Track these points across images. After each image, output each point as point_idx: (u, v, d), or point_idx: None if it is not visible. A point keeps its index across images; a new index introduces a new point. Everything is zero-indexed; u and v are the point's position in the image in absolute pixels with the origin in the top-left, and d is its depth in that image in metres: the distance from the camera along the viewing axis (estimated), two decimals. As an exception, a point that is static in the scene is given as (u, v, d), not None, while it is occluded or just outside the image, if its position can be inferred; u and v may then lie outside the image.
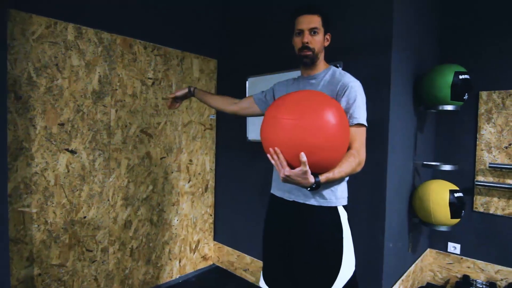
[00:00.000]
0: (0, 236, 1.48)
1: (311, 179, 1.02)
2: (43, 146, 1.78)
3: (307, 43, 1.23)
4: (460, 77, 1.89)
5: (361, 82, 1.26)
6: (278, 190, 1.36)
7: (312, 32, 1.24)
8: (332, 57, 1.95)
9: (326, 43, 1.31)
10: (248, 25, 2.57)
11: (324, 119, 1.01)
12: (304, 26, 1.24)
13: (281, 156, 1.02)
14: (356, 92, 1.20)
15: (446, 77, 1.90)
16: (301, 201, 1.26)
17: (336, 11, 1.96)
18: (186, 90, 1.66)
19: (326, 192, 1.24)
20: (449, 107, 1.98)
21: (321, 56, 1.31)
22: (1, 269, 1.48)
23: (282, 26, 2.30)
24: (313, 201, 1.24)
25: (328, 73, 1.29)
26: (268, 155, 1.06)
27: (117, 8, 2.08)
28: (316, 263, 1.23)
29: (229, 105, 1.62)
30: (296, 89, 1.33)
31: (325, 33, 1.28)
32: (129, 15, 2.15)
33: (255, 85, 2.46)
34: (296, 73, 2.12)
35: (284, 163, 1.02)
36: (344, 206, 1.28)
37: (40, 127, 1.76)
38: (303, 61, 1.27)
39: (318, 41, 1.25)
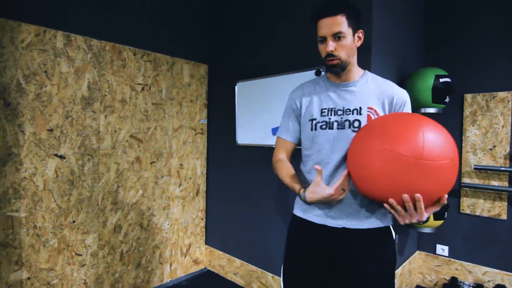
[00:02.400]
0: (-13, 240, 1.50)
1: None
2: (32, 152, 1.81)
3: (331, 51, 1.06)
4: (441, 80, 1.93)
5: None
6: (315, 215, 1.16)
7: (337, 37, 1.05)
8: (313, 61, 2.00)
9: (359, 43, 1.12)
10: (237, 30, 2.62)
11: (456, 149, 0.93)
12: (326, 31, 1.05)
13: (422, 203, 0.87)
14: (410, 105, 1.15)
15: (427, 81, 1.93)
16: (354, 227, 1.10)
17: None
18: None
19: (382, 207, 1.08)
20: (431, 110, 2.01)
21: (354, 60, 1.13)
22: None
23: (270, 31, 2.35)
24: (367, 224, 1.10)
25: (368, 80, 1.16)
26: (392, 201, 0.89)
27: (106, 15, 2.13)
28: None
29: (289, 165, 1.29)
30: (330, 98, 1.16)
31: (354, 32, 1.08)
32: (119, 22, 2.19)
33: (243, 89, 2.50)
34: (285, 78, 2.18)
35: (423, 210, 0.88)
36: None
37: (29, 133, 1.80)
38: (332, 70, 1.12)
39: (346, 46, 1.06)
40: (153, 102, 2.39)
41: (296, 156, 1.35)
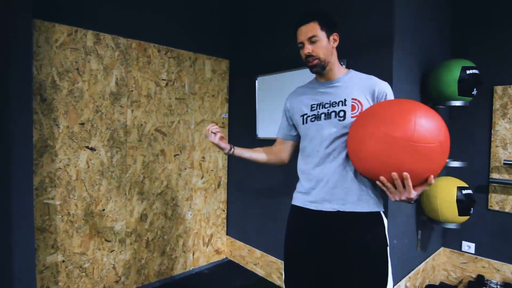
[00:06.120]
0: (26, 225, 1.64)
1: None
2: (66, 144, 1.94)
3: (309, 53, 1.20)
4: (468, 72, 1.86)
5: None
6: (310, 202, 1.25)
7: (312, 41, 1.19)
8: (335, 55, 1.98)
9: (334, 44, 1.24)
10: (257, 25, 2.64)
11: (448, 135, 0.97)
12: (302, 37, 1.21)
13: (409, 181, 0.94)
14: (392, 96, 1.22)
15: (453, 73, 1.87)
16: (347, 210, 1.17)
17: (338, 9, 1.99)
18: (228, 148, 1.36)
19: (374, 193, 1.19)
20: (457, 103, 1.95)
21: (333, 59, 1.25)
22: (27, 254, 1.65)
23: (289, 27, 2.36)
24: (360, 207, 1.16)
25: (352, 76, 1.25)
26: (383, 179, 0.98)
27: (133, 14, 2.22)
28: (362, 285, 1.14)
29: (269, 155, 1.46)
30: (318, 95, 1.28)
31: (328, 35, 1.21)
32: (144, 21, 2.28)
33: (263, 84, 2.52)
34: (303, 72, 2.19)
35: (411, 188, 0.95)
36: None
37: (63, 127, 1.93)
38: (313, 71, 1.25)
39: (321, 47, 1.20)
40: (177, 97, 2.48)
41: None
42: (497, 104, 2.22)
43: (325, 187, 1.20)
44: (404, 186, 0.96)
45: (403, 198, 0.98)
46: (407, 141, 0.91)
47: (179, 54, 2.48)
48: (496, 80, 2.21)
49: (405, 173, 0.93)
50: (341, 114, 1.19)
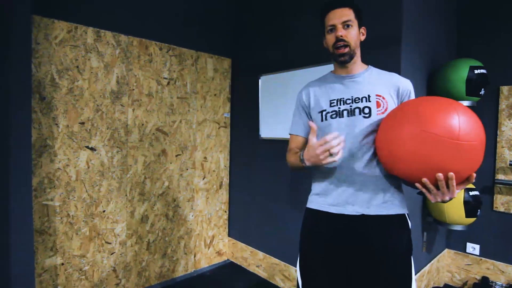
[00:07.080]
0: (25, 227, 1.59)
1: None
2: (65, 144, 1.89)
3: (341, 36, 1.12)
4: (476, 71, 1.84)
5: None
6: (331, 206, 1.17)
7: (346, 25, 1.13)
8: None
9: (362, 37, 1.20)
10: (261, 23, 2.60)
11: (484, 131, 0.96)
12: (336, 20, 1.14)
13: (454, 181, 0.90)
14: (414, 94, 1.19)
15: (461, 72, 1.85)
16: (372, 213, 1.11)
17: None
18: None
19: (398, 194, 1.16)
20: (465, 103, 1.92)
21: (359, 53, 1.20)
22: (26, 257, 1.60)
23: (294, 24, 2.32)
24: (385, 210, 1.12)
25: (373, 72, 1.21)
26: (425, 181, 0.92)
27: (134, 11, 2.17)
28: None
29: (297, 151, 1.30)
30: (337, 89, 1.20)
31: (359, 27, 1.17)
32: (145, 18, 2.23)
33: (267, 83, 2.49)
34: (307, 71, 2.16)
35: (455, 188, 0.91)
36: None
37: (62, 126, 1.88)
38: (340, 60, 1.16)
39: (354, 35, 1.14)
40: (178, 96, 2.43)
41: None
42: (503, 105, 2.20)
43: (348, 189, 1.14)
44: (448, 187, 0.91)
45: (446, 198, 0.93)
46: (453, 139, 0.87)
47: (181, 53, 2.43)
48: (502, 80, 2.19)
49: (451, 173, 0.88)
50: (366, 111, 1.12)
